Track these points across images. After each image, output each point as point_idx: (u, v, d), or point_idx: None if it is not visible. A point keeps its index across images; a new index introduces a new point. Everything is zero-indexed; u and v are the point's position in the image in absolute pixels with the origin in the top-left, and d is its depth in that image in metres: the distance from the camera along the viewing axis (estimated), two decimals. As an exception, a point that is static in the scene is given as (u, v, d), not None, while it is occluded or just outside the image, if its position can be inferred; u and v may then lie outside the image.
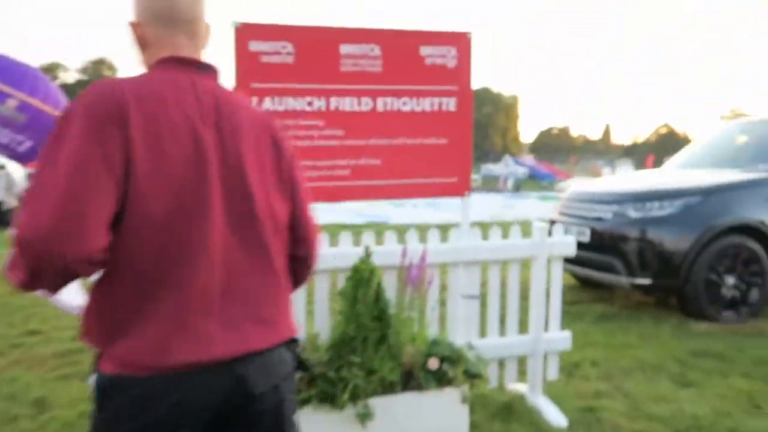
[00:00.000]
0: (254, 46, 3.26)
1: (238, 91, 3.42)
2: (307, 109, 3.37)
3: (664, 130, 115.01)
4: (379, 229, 12.57)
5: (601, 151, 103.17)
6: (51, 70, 67.39)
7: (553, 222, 6.91)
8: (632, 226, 5.83)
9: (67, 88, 61.01)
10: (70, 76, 73.52)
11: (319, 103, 3.38)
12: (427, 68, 3.54)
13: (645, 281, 5.69)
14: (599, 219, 6.16)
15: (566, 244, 3.81)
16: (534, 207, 18.99)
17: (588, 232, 6.15)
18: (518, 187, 30.82)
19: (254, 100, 3.27)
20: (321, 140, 3.39)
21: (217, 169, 1.41)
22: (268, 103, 3.30)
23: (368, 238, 3.44)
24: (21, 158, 8.83)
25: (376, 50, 3.45)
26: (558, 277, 3.85)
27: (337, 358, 3.08)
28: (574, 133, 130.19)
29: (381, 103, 3.48)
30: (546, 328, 3.84)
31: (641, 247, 5.71)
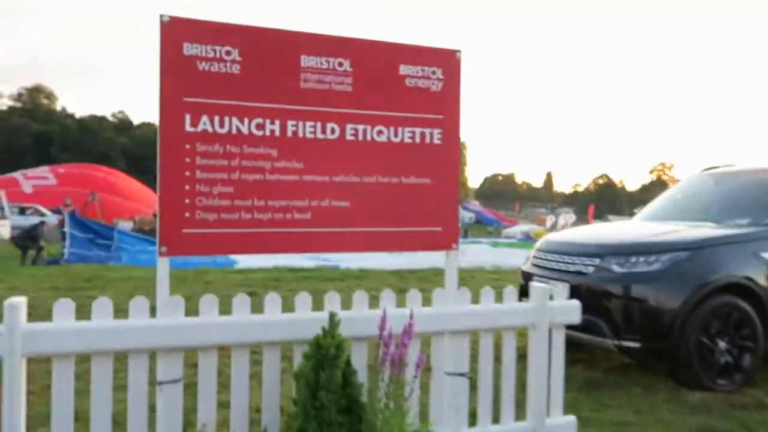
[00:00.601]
0: (189, 49, 2.50)
1: (165, 106, 2.64)
2: (257, 133, 2.61)
3: (602, 180, 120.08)
4: (328, 275, 11.70)
5: (543, 199, 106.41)
6: (-19, 98, 63.80)
7: (528, 275, 6.31)
8: (616, 282, 5.27)
9: (0, 115, 57.78)
10: (2, 103, 69.88)
11: (272, 127, 2.63)
12: (407, 91, 2.88)
13: (633, 344, 5.10)
14: (579, 273, 5.58)
15: (570, 308, 3.15)
16: (488, 254, 18.61)
17: (566, 287, 5.55)
18: (466, 232, 30.79)
19: (186, 119, 2.49)
20: (274, 174, 2.63)
21: None
22: (205, 124, 2.53)
23: (333, 299, 2.66)
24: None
25: (346, 65, 2.76)
26: (560, 348, 3.17)
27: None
28: (519, 179, 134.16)
29: (350, 131, 2.77)
30: (547, 411, 3.12)
31: (627, 305, 5.14)
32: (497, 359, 3.09)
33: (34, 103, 72.08)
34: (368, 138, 2.79)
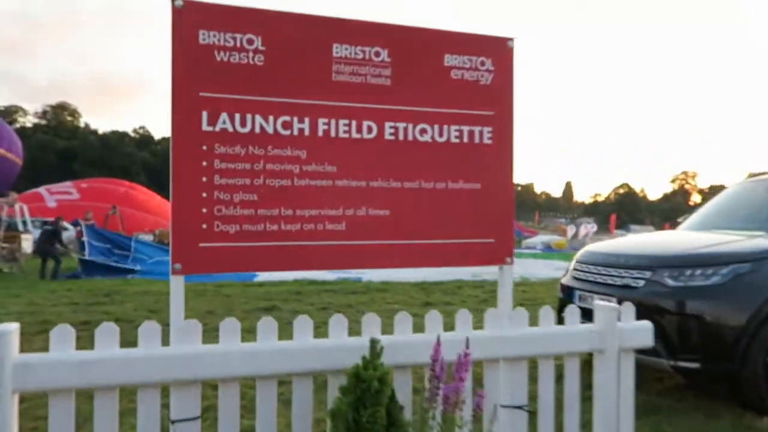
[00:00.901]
0: (206, 37, 2.18)
1: (178, 102, 2.31)
2: (283, 133, 2.28)
3: (622, 190, 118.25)
4: (350, 288, 11.33)
5: (563, 209, 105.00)
6: (8, 113, 65.16)
7: (568, 289, 5.88)
8: (671, 296, 4.81)
9: (25, 132, 58.93)
10: (28, 120, 71.34)
11: (300, 126, 2.30)
12: (453, 84, 2.52)
13: (691, 365, 4.63)
14: (627, 287, 5.14)
15: (642, 331, 2.73)
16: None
17: (614, 302, 5.12)
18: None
19: (203, 116, 2.17)
20: (303, 179, 2.29)
21: None
22: (224, 123, 2.20)
23: (372, 323, 2.29)
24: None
25: (384, 55, 2.42)
26: (630, 376, 2.76)
27: None
28: (538, 189, 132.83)
29: (389, 130, 2.42)
30: (615, 451, 2.70)
31: (684, 322, 4.68)
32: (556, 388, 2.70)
33: (59, 120, 73.47)
34: (409, 137, 2.44)
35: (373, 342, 2.08)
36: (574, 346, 2.62)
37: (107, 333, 2.04)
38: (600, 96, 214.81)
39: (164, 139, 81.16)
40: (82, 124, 76.47)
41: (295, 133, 2.28)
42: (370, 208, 2.36)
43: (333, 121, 2.33)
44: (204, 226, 2.14)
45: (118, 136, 74.55)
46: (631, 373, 2.76)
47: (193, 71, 2.16)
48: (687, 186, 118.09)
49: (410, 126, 2.44)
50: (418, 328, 2.42)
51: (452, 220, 2.48)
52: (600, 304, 2.71)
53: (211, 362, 2.09)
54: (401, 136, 2.43)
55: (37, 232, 18.70)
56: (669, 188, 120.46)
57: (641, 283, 5.12)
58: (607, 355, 2.65)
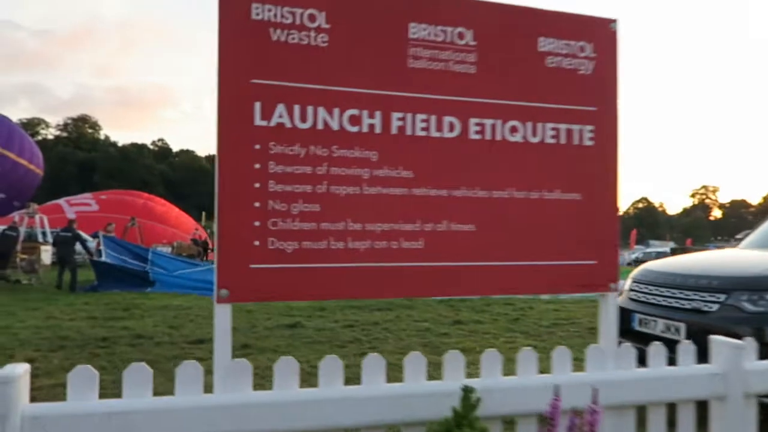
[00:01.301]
0: (260, 11, 1.79)
1: (225, 91, 1.92)
2: (350, 129, 1.87)
3: (642, 204, 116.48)
4: (374, 304, 10.92)
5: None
6: (31, 126, 66.12)
7: (625, 311, 5.38)
8: (750, 323, 4.31)
9: (47, 144, 59.69)
10: (50, 133, 72.35)
11: (370, 121, 1.89)
12: (548, 73, 2.10)
13: (777, 401, 4.11)
14: (697, 311, 4.64)
15: (771, 373, 2.26)
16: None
17: (682, 328, 4.61)
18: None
19: (256, 109, 1.77)
20: (374, 186, 1.87)
21: None
22: (281, 117, 1.80)
23: (455, 362, 1.86)
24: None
25: (468, 37, 2.01)
26: (753, 426, 2.28)
27: None
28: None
29: (474, 128, 2.00)
30: None
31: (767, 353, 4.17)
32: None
33: (79, 133, 74.36)
34: (498, 137, 2.02)
35: (467, 391, 1.65)
36: (692, 391, 2.16)
37: (137, 374, 1.63)
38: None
39: (182, 152, 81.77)
40: (102, 137, 77.37)
41: (365, 129, 1.87)
42: (452, 222, 1.94)
43: (409, 116, 1.92)
44: (256, 243, 1.73)
45: (137, 149, 75.22)
46: (753, 421, 2.29)
47: (244, 53, 1.76)
48: (707, 201, 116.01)
49: (499, 123, 2.02)
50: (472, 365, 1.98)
51: (547, 238, 2.05)
52: (721, 340, 2.25)
53: (261, 414, 1.67)
54: (488, 135, 2.01)
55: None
56: (689, 202, 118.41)
57: (715, 307, 4.60)
58: (730, 403, 2.18)
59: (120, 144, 75.70)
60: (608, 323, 2.14)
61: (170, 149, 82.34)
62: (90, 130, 76.26)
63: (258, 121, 1.77)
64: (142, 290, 12.16)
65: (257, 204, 1.75)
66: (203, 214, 35.34)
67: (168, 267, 13.65)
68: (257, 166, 1.76)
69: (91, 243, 15.87)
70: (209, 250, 25.48)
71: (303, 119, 1.81)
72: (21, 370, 1.52)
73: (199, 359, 6.07)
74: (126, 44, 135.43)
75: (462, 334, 7.38)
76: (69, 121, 74.76)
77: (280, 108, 1.79)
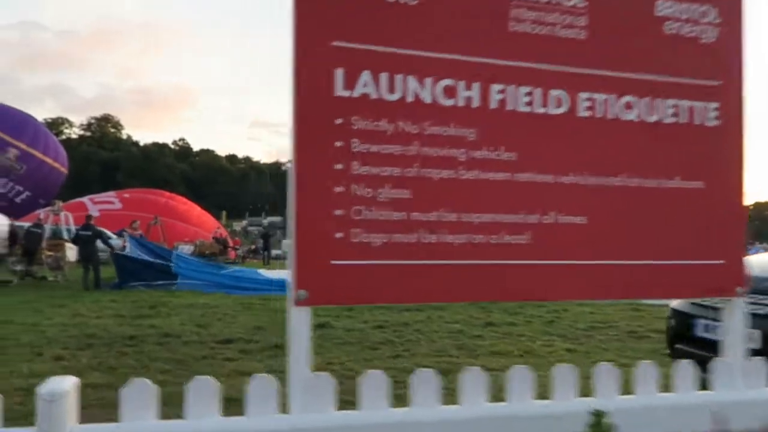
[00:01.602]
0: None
1: (302, 55, 1.62)
2: (444, 103, 1.59)
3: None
4: (402, 304, 10.57)
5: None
6: (55, 125, 67.09)
7: (686, 316, 5.03)
8: (836, 331, 3.94)
9: (71, 143, 60.50)
10: (74, 132, 73.37)
11: (467, 94, 1.61)
12: (667, 41, 1.80)
13: None
14: (773, 317, 4.28)
15: None
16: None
17: (758, 335, 4.25)
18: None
19: (337, 76, 1.50)
20: (471, 170, 1.59)
21: None
22: (366, 86, 1.53)
23: (606, 380, 1.56)
24: (16, 210, 7.56)
25: (578, -2, 1.72)
26: None
27: None
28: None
29: (584, 103, 1.71)
30: None
31: None
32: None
33: (102, 132, 75.28)
34: (610, 115, 1.73)
35: (598, 416, 1.36)
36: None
37: (202, 390, 1.37)
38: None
39: (203, 151, 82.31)
40: (124, 136, 78.23)
41: (461, 103, 1.59)
42: (561, 214, 1.65)
43: (511, 89, 1.63)
44: (338, 234, 1.46)
45: (159, 148, 75.93)
46: None
47: (324, 11, 1.49)
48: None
49: (612, 98, 1.72)
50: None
51: (666, 233, 1.75)
52: None
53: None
54: (599, 113, 1.71)
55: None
56: None
57: (793, 313, 4.24)
58: None
59: (142, 143, 76.50)
60: (734, 334, 1.83)
61: (191, 149, 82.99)
62: (113, 130, 77.20)
63: (340, 91, 1.50)
64: (166, 285, 12.03)
65: (339, 189, 1.47)
66: (224, 213, 35.31)
67: (190, 268, 13.53)
68: (339, 143, 1.49)
69: (115, 240, 15.86)
70: (229, 248, 25.45)
71: (391, 90, 1.54)
72: (68, 384, 1.27)
73: (229, 359, 5.70)
74: (147, 45, 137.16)
75: (496, 337, 7.05)
76: (92, 121, 75.78)
77: (365, 76, 1.51)
